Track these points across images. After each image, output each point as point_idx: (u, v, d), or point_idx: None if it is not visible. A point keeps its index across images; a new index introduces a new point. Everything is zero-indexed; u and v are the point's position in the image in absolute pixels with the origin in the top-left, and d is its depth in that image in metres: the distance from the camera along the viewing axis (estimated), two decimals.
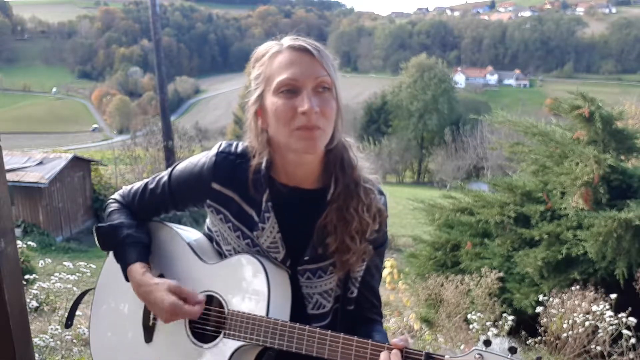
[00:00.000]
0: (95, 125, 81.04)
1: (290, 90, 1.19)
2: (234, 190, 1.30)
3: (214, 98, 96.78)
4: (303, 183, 1.30)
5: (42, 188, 16.24)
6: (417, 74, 49.69)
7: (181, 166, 1.38)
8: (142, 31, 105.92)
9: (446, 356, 1.10)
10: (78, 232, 18.00)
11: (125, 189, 1.48)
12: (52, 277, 4.33)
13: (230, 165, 1.31)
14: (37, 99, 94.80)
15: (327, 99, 1.20)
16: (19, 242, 3.39)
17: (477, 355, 1.07)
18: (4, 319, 1.44)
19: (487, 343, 1.08)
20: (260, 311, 1.25)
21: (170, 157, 17.55)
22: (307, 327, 1.21)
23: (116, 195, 1.47)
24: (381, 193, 1.35)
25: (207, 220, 1.44)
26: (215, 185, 1.30)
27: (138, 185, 1.45)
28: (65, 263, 4.55)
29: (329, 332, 1.19)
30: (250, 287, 1.28)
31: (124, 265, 1.35)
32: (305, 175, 1.29)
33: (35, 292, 4.52)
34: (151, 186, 1.41)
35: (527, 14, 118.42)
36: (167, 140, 17.60)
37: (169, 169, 1.41)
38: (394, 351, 1.12)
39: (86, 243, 16.63)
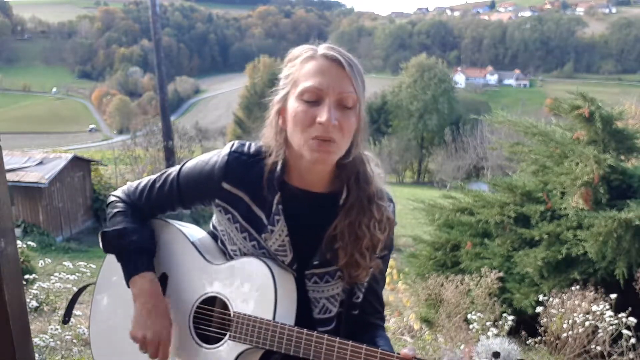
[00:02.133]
0: (92, 126, 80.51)
1: (313, 98, 1.19)
2: (244, 190, 1.29)
3: (214, 98, 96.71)
4: (314, 186, 1.29)
5: (42, 188, 16.21)
6: (417, 74, 49.59)
7: (191, 164, 1.36)
8: (142, 31, 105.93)
9: None
10: (78, 232, 17.97)
11: (130, 185, 1.44)
12: (52, 277, 4.35)
13: (242, 166, 1.29)
14: (37, 99, 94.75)
15: (347, 115, 1.20)
16: (19, 242, 3.40)
17: None
18: (4, 319, 1.44)
19: (496, 355, 1.07)
20: (267, 315, 1.23)
21: (170, 157, 17.57)
22: (314, 333, 1.19)
23: (120, 193, 1.44)
24: (391, 201, 1.35)
25: (213, 218, 1.42)
26: (225, 185, 1.29)
27: (145, 182, 1.42)
28: (65, 263, 4.58)
29: (337, 339, 1.17)
30: (256, 290, 1.26)
31: (130, 273, 1.34)
32: (317, 179, 1.29)
33: (35, 292, 4.52)
34: (159, 183, 1.39)
35: (527, 14, 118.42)
36: (167, 140, 17.62)
37: (178, 167, 1.39)
38: None
39: (86, 243, 16.62)
